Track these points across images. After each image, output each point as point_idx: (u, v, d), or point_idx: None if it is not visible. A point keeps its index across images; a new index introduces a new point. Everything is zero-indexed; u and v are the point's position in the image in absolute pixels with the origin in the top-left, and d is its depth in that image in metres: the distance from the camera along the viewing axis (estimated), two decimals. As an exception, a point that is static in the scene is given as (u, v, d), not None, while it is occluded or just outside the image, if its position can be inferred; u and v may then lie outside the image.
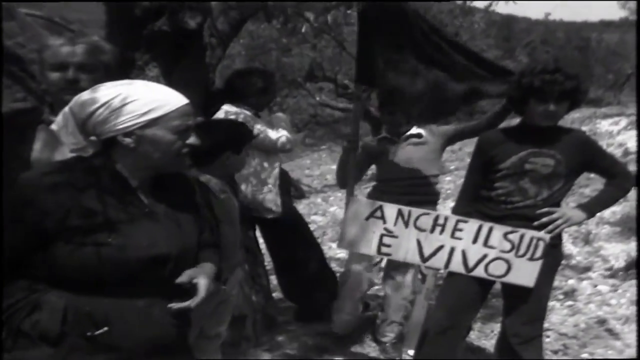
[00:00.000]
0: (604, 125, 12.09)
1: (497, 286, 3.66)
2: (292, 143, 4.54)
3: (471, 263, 3.50)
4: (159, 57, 3.92)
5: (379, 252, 3.64)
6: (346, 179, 4.17)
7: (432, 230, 3.53)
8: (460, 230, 3.50)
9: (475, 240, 3.48)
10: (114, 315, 1.92)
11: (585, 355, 4.52)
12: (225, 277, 3.15)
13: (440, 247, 3.54)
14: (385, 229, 3.58)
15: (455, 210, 3.68)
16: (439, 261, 3.55)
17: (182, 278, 2.05)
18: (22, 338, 1.86)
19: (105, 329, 1.89)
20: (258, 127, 4.22)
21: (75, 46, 2.60)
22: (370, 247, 3.63)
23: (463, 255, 3.51)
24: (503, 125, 3.95)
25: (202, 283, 2.08)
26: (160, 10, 3.76)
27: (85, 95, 1.95)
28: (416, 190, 4.37)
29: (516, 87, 3.36)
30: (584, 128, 13.54)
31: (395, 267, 4.50)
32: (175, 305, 2.02)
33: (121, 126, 1.92)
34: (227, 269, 3.15)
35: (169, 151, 2.00)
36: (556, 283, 5.97)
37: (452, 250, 3.52)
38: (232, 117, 4.15)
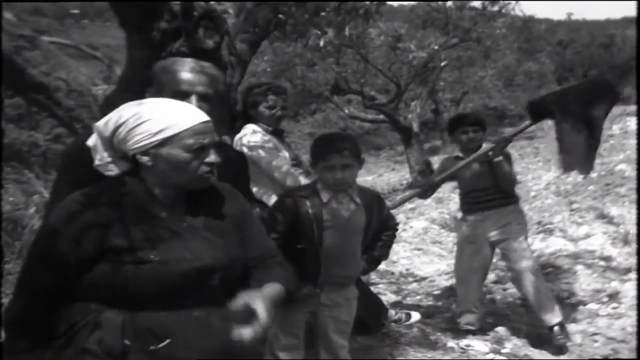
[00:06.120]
0: (634, 122, 11.93)
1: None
2: None
3: None
4: (180, 78, 3.90)
5: None
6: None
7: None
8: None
9: None
10: (173, 327, 1.92)
11: (637, 360, 4.37)
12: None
13: None
14: None
15: None
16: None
17: (238, 302, 1.92)
18: (89, 356, 1.89)
19: (168, 341, 1.90)
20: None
21: (197, 75, 2.56)
22: None
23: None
24: None
25: (260, 309, 1.91)
26: (177, 32, 3.76)
27: (109, 115, 2.03)
28: (492, 197, 4.94)
29: None
30: (614, 126, 13.41)
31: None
32: (238, 332, 1.88)
33: (137, 145, 1.98)
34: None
35: (185, 170, 2.02)
36: (598, 286, 5.89)
37: None
38: (259, 138, 4.09)
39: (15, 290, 2.04)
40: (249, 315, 1.91)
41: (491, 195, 4.93)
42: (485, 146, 4.81)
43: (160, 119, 1.98)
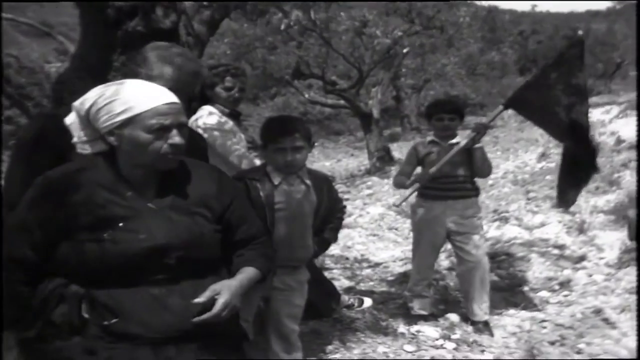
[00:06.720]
0: (596, 114, 12.08)
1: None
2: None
3: None
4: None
5: None
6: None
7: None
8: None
9: None
10: (128, 304, 1.97)
11: (582, 346, 4.43)
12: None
13: None
14: None
15: None
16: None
17: (206, 294, 2.03)
18: (52, 328, 1.97)
19: (117, 318, 1.96)
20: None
21: None
22: None
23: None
24: None
25: (221, 301, 2.04)
26: (133, 11, 3.70)
27: (86, 94, 2.07)
28: (456, 187, 4.93)
29: None
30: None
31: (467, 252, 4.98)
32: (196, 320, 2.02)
33: (103, 125, 2.03)
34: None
35: (147, 150, 2.04)
36: (551, 274, 5.97)
37: None
38: (215, 120, 4.03)
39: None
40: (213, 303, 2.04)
41: (456, 184, 4.93)
42: (468, 133, 4.83)
43: (124, 99, 2.01)
